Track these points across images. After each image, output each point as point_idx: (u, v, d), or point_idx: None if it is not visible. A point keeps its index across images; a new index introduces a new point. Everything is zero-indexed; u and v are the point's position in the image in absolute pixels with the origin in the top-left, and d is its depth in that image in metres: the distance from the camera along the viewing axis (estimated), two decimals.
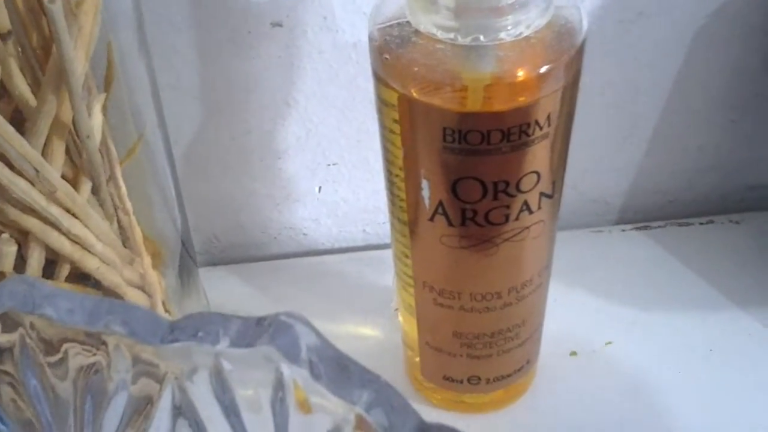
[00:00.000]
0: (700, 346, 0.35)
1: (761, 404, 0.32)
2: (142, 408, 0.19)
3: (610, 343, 0.35)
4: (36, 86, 0.23)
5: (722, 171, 0.41)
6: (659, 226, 0.41)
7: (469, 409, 0.33)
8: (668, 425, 0.32)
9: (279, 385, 0.17)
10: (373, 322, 0.36)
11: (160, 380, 0.19)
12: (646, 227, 0.41)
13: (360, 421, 0.16)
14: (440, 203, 0.25)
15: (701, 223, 0.41)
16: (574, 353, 0.34)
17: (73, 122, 0.23)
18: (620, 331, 0.35)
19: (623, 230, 0.41)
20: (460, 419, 0.32)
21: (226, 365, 0.18)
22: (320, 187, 0.39)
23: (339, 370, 0.16)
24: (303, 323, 0.17)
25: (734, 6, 0.35)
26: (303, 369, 0.16)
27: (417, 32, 0.24)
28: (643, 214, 0.42)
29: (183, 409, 0.19)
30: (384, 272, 0.37)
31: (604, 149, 0.40)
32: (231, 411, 0.19)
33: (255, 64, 0.35)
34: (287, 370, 0.17)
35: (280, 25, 0.33)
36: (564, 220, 0.29)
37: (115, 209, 0.25)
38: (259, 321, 0.17)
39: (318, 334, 0.17)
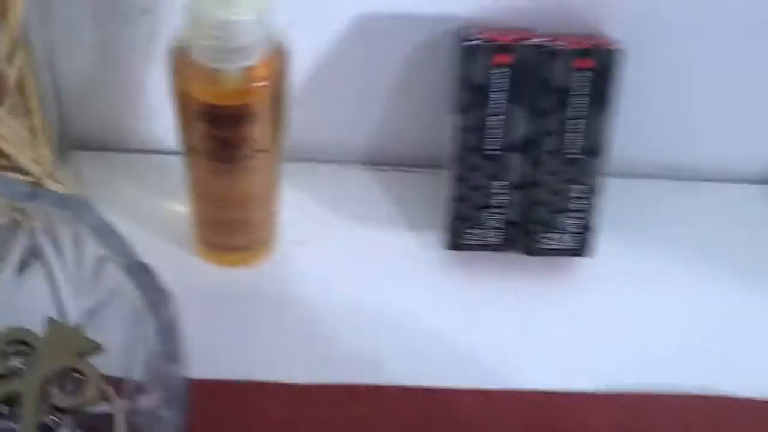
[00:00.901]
0: (381, 258, 0.54)
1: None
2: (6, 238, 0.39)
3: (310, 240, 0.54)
4: None
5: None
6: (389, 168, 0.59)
7: (231, 263, 0.52)
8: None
9: (77, 236, 0.37)
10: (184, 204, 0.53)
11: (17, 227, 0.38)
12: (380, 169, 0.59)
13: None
14: (199, 145, 0.44)
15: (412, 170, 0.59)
16: (303, 242, 0.54)
17: None
18: (332, 235, 0.55)
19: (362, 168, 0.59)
20: (225, 272, 0.52)
21: (55, 223, 0.37)
22: None
23: (106, 229, 0.35)
24: (89, 205, 0.36)
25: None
26: (90, 228, 0.35)
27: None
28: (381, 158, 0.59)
29: (31, 245, 0.39)
30: None
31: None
32: (57, 246, 0.38)
33: None
34: (80, 227, 0.36)
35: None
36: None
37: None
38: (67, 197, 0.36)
39: (99, 214, 0.36)
